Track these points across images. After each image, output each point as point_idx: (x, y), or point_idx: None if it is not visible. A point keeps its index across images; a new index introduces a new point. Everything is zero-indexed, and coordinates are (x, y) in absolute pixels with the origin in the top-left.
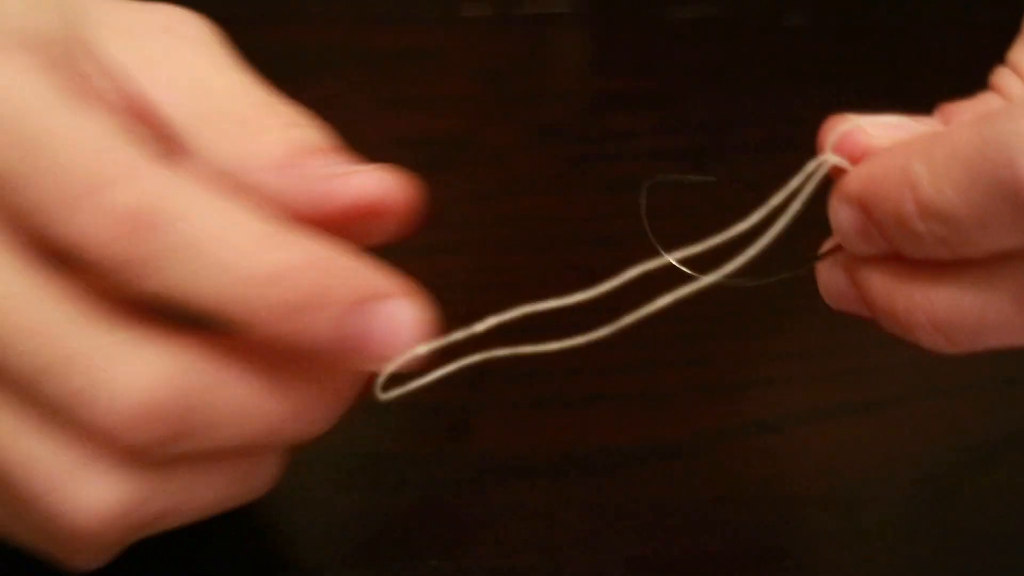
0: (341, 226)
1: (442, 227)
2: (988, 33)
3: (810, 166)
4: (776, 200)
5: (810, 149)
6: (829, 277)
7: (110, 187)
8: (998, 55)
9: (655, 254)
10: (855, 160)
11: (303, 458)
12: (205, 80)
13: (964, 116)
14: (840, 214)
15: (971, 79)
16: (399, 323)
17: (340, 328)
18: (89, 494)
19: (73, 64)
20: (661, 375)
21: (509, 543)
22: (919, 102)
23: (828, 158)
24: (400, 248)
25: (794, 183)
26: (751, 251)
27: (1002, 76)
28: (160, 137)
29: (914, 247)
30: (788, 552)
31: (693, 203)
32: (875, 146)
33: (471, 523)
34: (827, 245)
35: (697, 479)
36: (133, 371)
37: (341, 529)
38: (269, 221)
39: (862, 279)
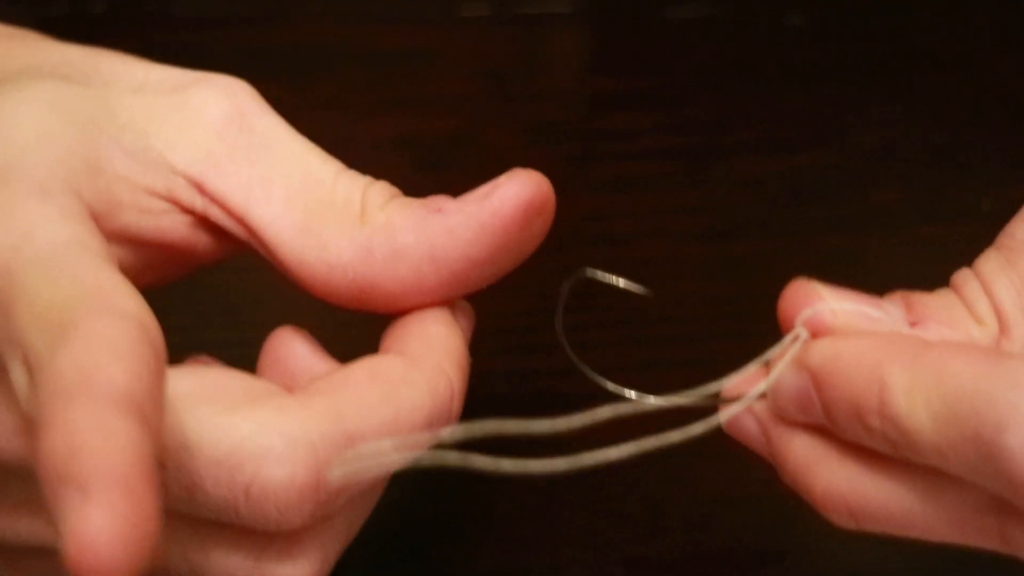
0: (514, 237)
1: None
2: (988, 33)
3: (785, 341)
4: (751, 367)
5: (810, 149)
6: (738, 420)
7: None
8: (998, 55)
9: (655, 253)
10: (814, 336)
11: None
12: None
13: (932, 321)
14: (788, 379)
15: (971, 79)
16: None
17: None
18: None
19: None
20: (661, 375)
21: (509, 543)
22: (919, 102)
23: (801, 332)
24: None
25: (769, 354)
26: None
27: (965, 280)
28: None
29: (856, 436)
30: (788, 552)
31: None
32: (836, 329)
33: (471, 523)
34: (739, 384)
35: (697, 479)
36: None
37: None
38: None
39: (780, 438)
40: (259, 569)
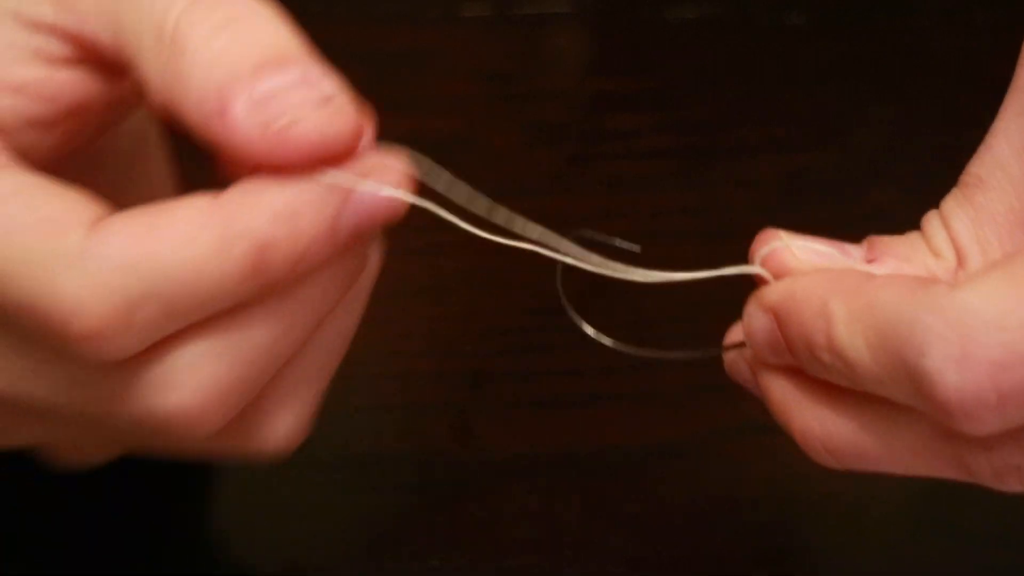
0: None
1: (442, 227)
2: (988, 33)
3: (739, 269)
4: (702, 274)
5: (810, 149)
6: (734, 364)
7: None
8: (998, 55)
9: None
10: (778, 276)
11: (303, 459)
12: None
13: (890, 257)
14: (755, 320)
15: (971, 79)
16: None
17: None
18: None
19: None
20: (661, 375)
21: (509, 543)
22: (919, 102)
23: (755, 269)
24: (401, 248)
25: (726, 271)
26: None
27: (930, 222)
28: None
29: (818, 372)
30: (788, 552)
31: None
32: (796, 268)
33: (471, 523)
34: (732, 335)
35: (697, 479)
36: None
37: (342, 529)
38: None
39: (763, 381)
40: (230, 445)
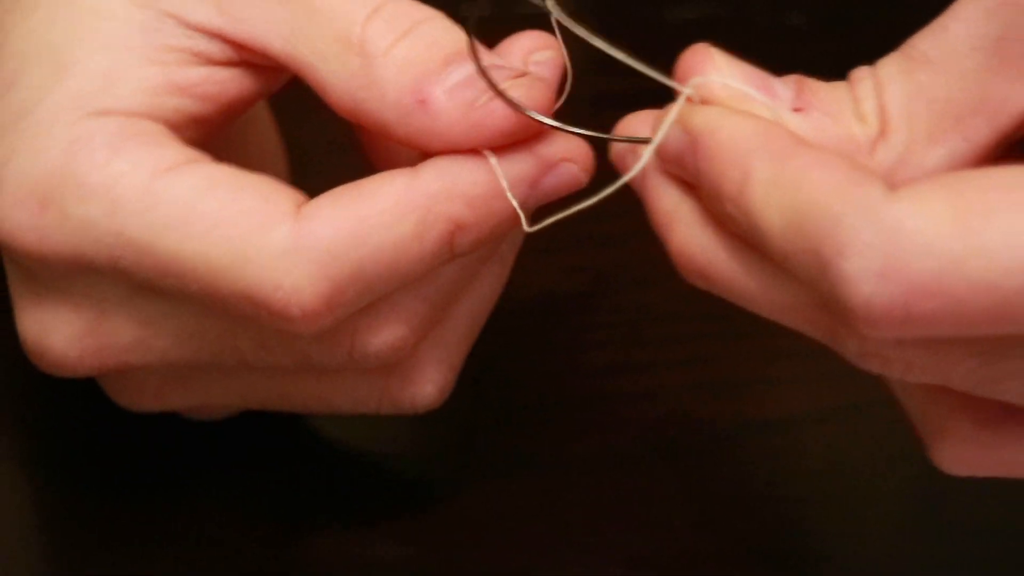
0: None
1: None
2: None
3: (669, 82)
4: (635, 63)
5: None
6: (622, 157)
7: None
8: None
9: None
10: (704, 101)
11: (304, 459)
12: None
13: (816, 109)
14: (673, 135)
15: None
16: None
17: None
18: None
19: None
20: (661, 375)
21: (509, 543)
22: None
23: (686, 90)
24: None
25: (654, 75)
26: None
27: (861, 77)
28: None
29: (714, 209)
30: (788, 552)
31: None
32: (725, 101)
33: (471, 523)
34: (630, 124)
35: (698, 479)
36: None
37: (341, 529)
38: None
39: (652, 184)
40: (386, 396)
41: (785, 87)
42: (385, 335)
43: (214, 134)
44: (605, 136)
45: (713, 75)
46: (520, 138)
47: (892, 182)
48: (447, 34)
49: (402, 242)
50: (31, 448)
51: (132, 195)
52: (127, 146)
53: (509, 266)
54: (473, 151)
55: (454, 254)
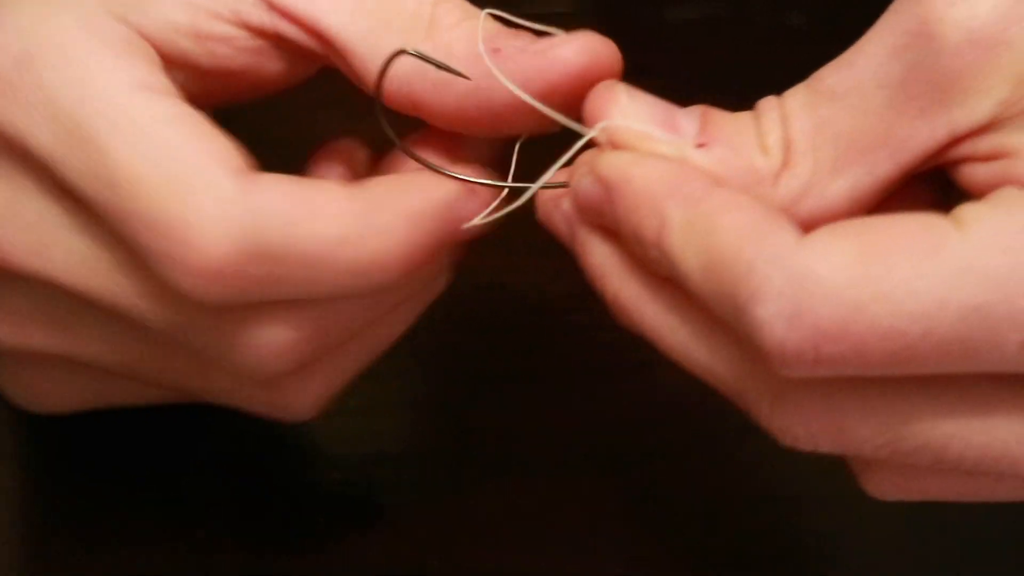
0: (565, 95)
1: None
2: None
3: (577, 127)
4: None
5: None
6: (549, 214)
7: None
8: None
9: None
10: (613, 146)
11: (304, 459)
12: None
13: (719, 144)
14: (584, 182)
15: None
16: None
17: None
18: None
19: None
20: (661, 375)
21: (509, 543)
22: None
23: (591, 132)
24: None
25: (561, 120)
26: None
27: (768, 108)
28: (316, 46)
29: (640, 255)
30: (789, 552)
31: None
32: (633, 146)
33: (471, 523)
34: (555, 172)
35: (697, 479)
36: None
37: (342, 529)
38: None
39: (582, 239)
40: (262, 396)
41: (690, 120)
42: (270, 338)
43: (201, 103)
44: (500, 183)
45: (617, 117)
46: (584, 89)
47: (797, 213)
48: (496, 25)
49: (335, 241)
50: (16, 446)
51: (106, 90)
52: (126, 51)
53: (420, 308)
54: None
55: (381, 280)
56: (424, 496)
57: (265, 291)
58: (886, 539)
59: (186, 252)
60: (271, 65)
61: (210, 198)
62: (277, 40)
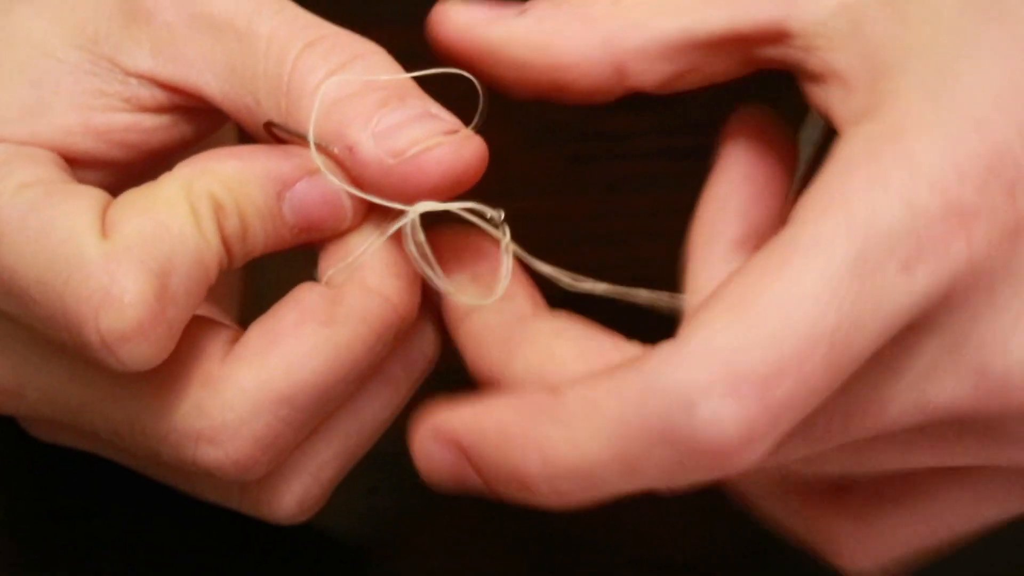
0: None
1: None
2: None
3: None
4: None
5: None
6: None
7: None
8: None
9: (655, 253)
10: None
11: None
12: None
13: None
14: (433, 453)
15: None
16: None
17: None
18: None
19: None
20: None
21: (509, 543)
22: None
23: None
24: None
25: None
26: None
27: None
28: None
29: (526, 499)
30: (788, 552)
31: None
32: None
33: (471, 523)
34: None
35: None
36: None
37: (341, 529)
38: None
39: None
40: (244, 499)
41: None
42: (227, 450)
43: (134, 178)
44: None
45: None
46: (452, 193)
47: (627, 39)
48: (386, 72)
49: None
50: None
51: None
52: (10, 167)
53: (402, 393)
54: None
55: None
56: (424, 496)
57: (184, 312)
58: None
59: (98, 327)
60: (188, 128)
61: (83, 272)
62: (179, 110)
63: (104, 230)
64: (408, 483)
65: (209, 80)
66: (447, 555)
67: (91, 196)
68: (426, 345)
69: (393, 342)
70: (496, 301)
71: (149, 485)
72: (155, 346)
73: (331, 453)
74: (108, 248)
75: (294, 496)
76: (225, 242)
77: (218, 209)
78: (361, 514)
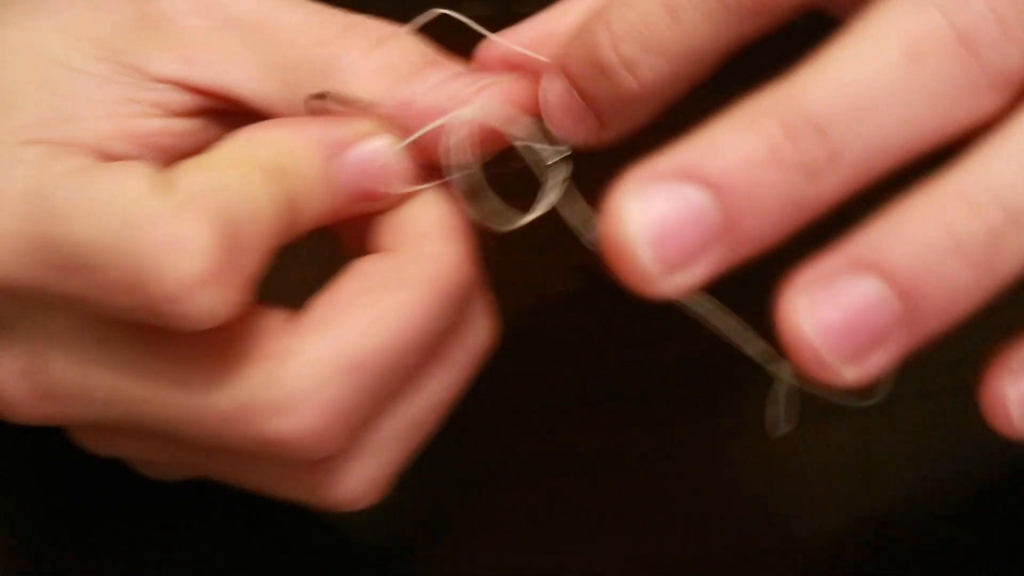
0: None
1: None
2: None
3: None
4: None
5: None
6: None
7: None
8: None
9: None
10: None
11: None
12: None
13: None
14: (548, 92)
15: None
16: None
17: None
18: None
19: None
20: (661, 375)
21: (509, 543)
22: None
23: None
24: None
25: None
26: None
27: None
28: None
29: (602, 88)
30: (788, 552)
31: None
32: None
33: (471, 523)
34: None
35: (697, 479)
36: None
37: (341, 529)
38: None
39: None
40: (306, 488)
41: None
42: (300, 420)
43: None
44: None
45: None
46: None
47: None
48: (416, 45)
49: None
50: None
51: (37, 192)
52: (55, 159)
53: (461, 376)
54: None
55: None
56: (423, 496)
57: (248, 264)
58: (885, 541)
59: (170, 275)
60: (219, 132)
61: (152, 224)
62: (210, 113)
63: (165, 189)
64: (408, 483)
65: (240, 80)
66: (447, 555)
67: (143, 165)
68: (481, 330)
69: (455, 312)
70: None
71: (154, 487)
72: (226, 295)
73: (394, 432)
74: (173, 200)
75: (360, 477)
76: (283, 205)
77: (274, 172)
78: (360, 514)
